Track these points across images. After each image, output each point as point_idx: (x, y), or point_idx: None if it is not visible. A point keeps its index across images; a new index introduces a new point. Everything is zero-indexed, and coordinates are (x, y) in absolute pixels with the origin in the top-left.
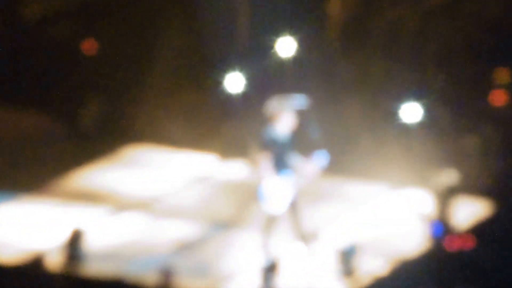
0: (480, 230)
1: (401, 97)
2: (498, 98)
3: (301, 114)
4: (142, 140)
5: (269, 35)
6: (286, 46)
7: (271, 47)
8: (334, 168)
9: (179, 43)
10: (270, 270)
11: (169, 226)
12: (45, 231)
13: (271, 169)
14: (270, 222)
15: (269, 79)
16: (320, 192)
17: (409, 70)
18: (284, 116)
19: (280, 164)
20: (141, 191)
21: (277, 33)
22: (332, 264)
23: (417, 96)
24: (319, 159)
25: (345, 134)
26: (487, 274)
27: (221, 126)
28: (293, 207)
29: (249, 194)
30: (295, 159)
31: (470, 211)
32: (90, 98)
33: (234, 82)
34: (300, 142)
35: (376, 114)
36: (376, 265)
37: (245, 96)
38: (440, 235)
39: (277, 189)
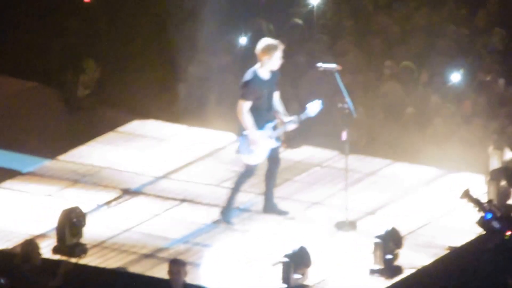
0: None
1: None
2: None
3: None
4: (143, 113)
5: None
6: None
7: None
8: (381, 149)
9: None
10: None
11: (183, 211)
12: (40, 215)
13: (252, 120)
14: (245, 175)
15: None
16: (371, 175)
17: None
18: (274, 57)
19: (264, 113)
20: (151, 170)
21: None
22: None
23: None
24: (312, 108)
25: (389, 111)
26: None
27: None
28: (273, 164)
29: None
30: (279, 106)
31: None
32: (84, 66)
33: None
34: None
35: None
36: (423, 257)
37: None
38: (494, 222)
39: (257, 140)
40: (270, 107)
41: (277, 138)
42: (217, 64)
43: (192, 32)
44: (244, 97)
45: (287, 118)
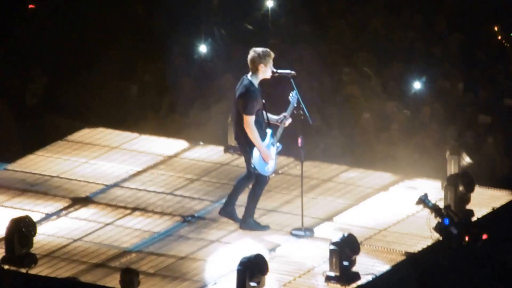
0: (494, 221)
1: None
2: None
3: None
4: (95, 121)
5: None
6: None
7: None
8: (339, 157)
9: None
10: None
11: (135, 220)
12: None
13: (258, 131)
14: (262, 186)
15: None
16: (327, 181)
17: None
18: (269, 65)
19: (262, 123)
20: (101, 178)
21: None
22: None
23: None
24: (293, 98)
25: (346, 116)
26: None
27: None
28: (250, 173)
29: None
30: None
31: (486, 201)
32: (35, 73)
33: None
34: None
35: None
36: (381, 261)
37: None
38: (452, 227)
39: (269, 153)
40: (265, 116)
41: (278, 142)
42: (171, 69)
43: (144, 36)
44: (250, 111)
45: (279, 118)
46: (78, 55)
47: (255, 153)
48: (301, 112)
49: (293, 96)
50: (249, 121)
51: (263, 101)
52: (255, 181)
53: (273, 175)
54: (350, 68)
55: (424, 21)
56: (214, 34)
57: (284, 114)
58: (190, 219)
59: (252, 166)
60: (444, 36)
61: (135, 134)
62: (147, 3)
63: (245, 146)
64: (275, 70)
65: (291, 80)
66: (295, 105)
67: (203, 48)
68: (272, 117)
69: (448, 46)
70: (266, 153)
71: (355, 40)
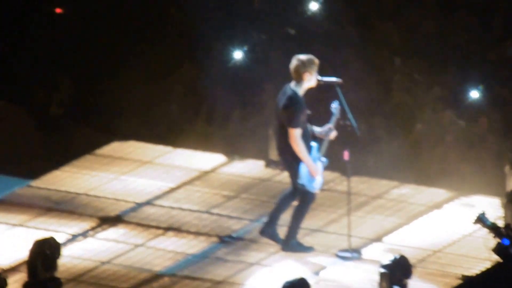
0: None
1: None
2: None
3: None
4: (125, 134)
5: None
6: None
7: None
8: (387, 170)
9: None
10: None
11: (168, 241)
12: (8, 247)
13: (305, 145)
14: (309, 203)
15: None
16: (376, 198)
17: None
18: (314, 73)
19: (308, 136)
20: (132, 196)
21: None
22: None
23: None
24: (335, 109)
25: (396, 127)
26: None
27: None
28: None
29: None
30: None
31: None
32: (61, 81)
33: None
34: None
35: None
36: (436, 285)
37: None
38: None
39: (317, 168)
40: (309, 128)
41: (324, 156)
42: (207, 77)
43: (179, 45)
44: (296, 124)
45: (324, 130)
46: (107, 62)
47: (303, 168)
48: (348, 123)
49: (335, 106)
50: (296, 134)
51: (309, 112)
52: (301, 199)
53: (318, 191)
54: (399, 75)
55: (481, 23)
56: (253, 39)
57: (328, 125)
58: (228, 240)
59: (300, 182)
60: (501, 40)
61: (169, 148)
62: (181, 5)
63: (291, 161)
64: (320, 78)
65: (337, 88)
66: (339, 116)
67: (239, 55)
68: (316, 129)
69: (505, 50)
70: (314, 168)
71: (405, 44)
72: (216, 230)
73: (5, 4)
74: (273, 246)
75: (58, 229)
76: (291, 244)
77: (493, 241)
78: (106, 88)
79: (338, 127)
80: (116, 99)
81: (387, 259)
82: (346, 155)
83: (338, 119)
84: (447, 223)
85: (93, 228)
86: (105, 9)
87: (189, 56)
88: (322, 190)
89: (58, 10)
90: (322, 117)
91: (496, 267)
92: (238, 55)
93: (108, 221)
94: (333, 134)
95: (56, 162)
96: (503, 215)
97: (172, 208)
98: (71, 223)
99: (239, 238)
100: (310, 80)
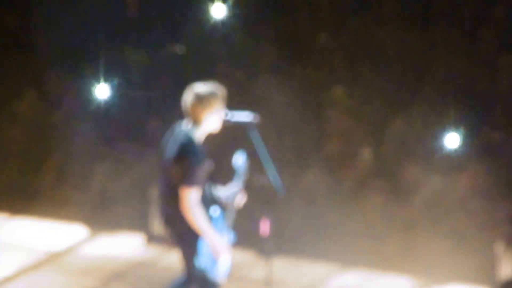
0: None
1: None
2: None
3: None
4: None
5: None
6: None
7: None
8: (330, 251)
9: None
10: None
11: None
12: None
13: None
14: None
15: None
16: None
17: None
18: (217, 111)
19: (207, 199)
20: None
21: None
22: None
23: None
24: (239, 161)
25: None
26: None
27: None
28: None
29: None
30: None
31: None
32: None
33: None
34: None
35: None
36: None
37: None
38: None
39: (222, 245)
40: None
41: (230, 226)
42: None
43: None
44: (192, 182)
45: (229, 195)
46: None
47: (202, 246)
48: (266, 181)
49: (241, 159)
50: (191, 197)
51: (211, 165)
52: None
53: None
54: (342, 109)
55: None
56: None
57: (234, 187)
58: None
59: (196, 266)
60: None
61: (3, 217)
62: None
63: (184, 236)
64: (227, 117)
65: (251, 130)
66: (246, 172)
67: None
68: (220, 191)
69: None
70: (219, 246)
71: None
72: None
73: None
74: None
75: None
76: None
77: None
78: None
79: (251, 187)
80: None
81: None
82: (264, 227)
83: (247, 176)
84: None
85: None
86: None
87: (35, 87)
88: (229, 278)
89: None
90: (230, 172)
91: None
92: (103, 87)
93: None
94: (241, 199)
95: None
96: None
97: None
98: None
99: None
100: (212, 121)
